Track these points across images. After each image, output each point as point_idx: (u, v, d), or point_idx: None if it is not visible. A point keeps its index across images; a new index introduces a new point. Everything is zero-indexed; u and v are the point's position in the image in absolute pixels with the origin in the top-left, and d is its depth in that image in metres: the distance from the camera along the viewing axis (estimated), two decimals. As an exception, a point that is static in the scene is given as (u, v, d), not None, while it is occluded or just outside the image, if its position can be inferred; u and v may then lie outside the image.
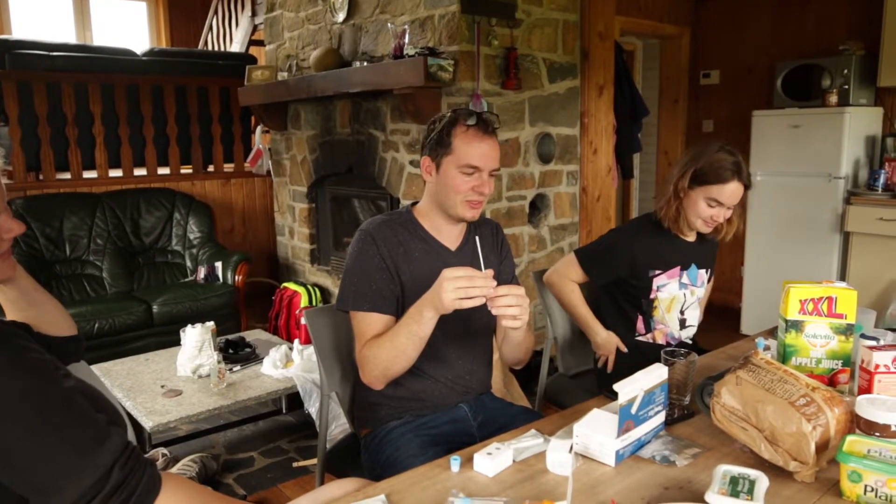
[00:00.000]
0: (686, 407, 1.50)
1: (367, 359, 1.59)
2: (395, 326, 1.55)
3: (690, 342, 2.19)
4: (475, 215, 1.66)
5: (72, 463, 0.91)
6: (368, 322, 1.61)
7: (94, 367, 3.12)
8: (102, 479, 0.92)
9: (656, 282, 2.07)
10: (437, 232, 1.71)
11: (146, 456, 1.62)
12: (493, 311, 1.40)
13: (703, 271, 2.14)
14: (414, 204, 1.76)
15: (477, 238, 1.62)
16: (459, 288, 1.36)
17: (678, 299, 2.10)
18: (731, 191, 1.95)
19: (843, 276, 4.02)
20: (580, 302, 2.16)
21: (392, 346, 1.53)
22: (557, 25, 3.61)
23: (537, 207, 3.70)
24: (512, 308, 1.38)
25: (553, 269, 2.22)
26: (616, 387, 1.25)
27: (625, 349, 2.12)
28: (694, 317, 2.17)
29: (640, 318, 2.12)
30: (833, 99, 4.00)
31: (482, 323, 1.75)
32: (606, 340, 2.12)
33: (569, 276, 2.16)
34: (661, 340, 2.12)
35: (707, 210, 1.99)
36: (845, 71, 4.02)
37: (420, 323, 1.47)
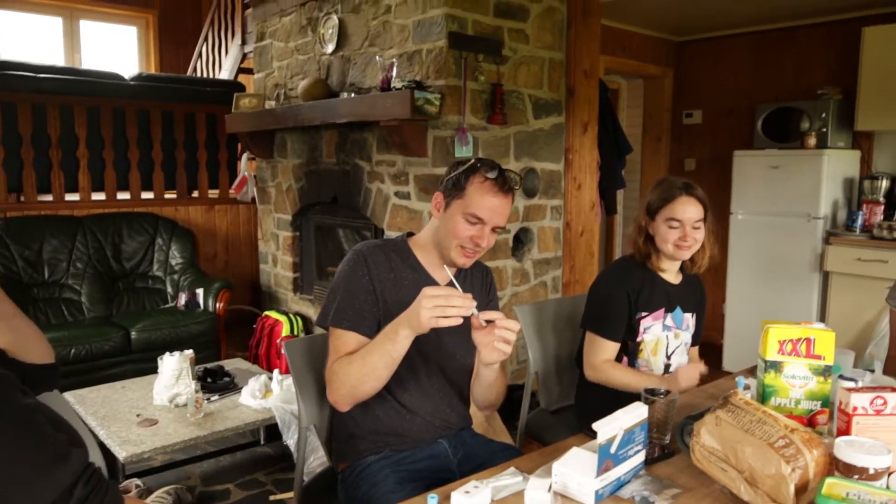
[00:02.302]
0: (666, 446, 1.49)
1: (336, 374, 1.56)
2: (370, 344, 1.52)
3: None
4: (466, 263, 1.66)
5: (28, 481, 0.89)
6: (345, 340, 1.60)
7: (69, 394, 3.06)
8: (64, 495, 0.90)
9: (643, 324, 2.05)
10: (429, 266, 1.71)
11: (120, 486, 1.58)
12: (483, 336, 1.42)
13: (688, 315, 2.13)
14: (409, 235, 1.77)
15: (447, 268, 1.63)
16: (437, 306, 1.36)
17: (662, 342, 2.08)
18: (682, 205, 1.98)
19: (822, 316, 4.06)
20: (631, 376, 2.01)
21: (363, 363, 1.50)
22: (543, 63, 3.67)
23: (521, 241, 3.71)
24: (505, 332, 1.43)
25: (587, 366, 2.07)
26: (595, 426, 1.25)
27: (705, 370, 2.00)
28: (679, 364, 2.12)
29: (625, 358, 2.10)
30: (812, 141, 4.09)
31: (465, 356, 1.74)
32: (677, 380, 1.95)
33: (599, 357, 2.04)
34: None
35: (671, 233, 1.99)
36: (823, 114, 4.11)
37: (395, 341, 1.45)
